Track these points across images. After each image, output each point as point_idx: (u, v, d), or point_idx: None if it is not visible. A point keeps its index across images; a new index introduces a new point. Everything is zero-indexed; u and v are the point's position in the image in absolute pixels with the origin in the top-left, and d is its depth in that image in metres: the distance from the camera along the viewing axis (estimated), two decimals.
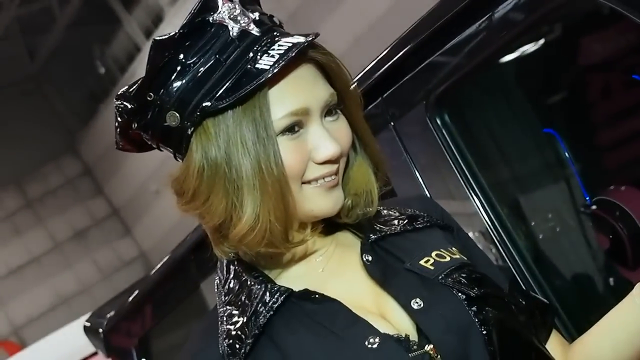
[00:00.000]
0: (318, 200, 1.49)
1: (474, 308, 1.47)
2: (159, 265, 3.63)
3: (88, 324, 4.07)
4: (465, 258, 1.58)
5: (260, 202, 1.43)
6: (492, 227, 2.31)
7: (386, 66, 2.40)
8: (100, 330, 3.94)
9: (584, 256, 2.57)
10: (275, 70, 1.42)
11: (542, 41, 2.54)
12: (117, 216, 19.75)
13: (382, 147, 1.66)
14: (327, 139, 1.48)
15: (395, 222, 1.63)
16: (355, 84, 1.63)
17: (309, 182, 1.48)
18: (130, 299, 3.81)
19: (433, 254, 1.55)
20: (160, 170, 16.85)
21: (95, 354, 4.14)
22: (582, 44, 2.57)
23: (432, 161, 2.36)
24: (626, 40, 2.48)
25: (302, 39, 1.45)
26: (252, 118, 1.43)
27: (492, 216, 2.28)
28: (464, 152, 2.32)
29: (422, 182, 2.42)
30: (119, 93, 1.54)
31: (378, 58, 2.42)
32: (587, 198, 2.50)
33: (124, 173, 18.59)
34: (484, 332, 1.45)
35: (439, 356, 1.42)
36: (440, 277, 1.50)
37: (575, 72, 2.68)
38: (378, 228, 1.60)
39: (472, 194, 2.29)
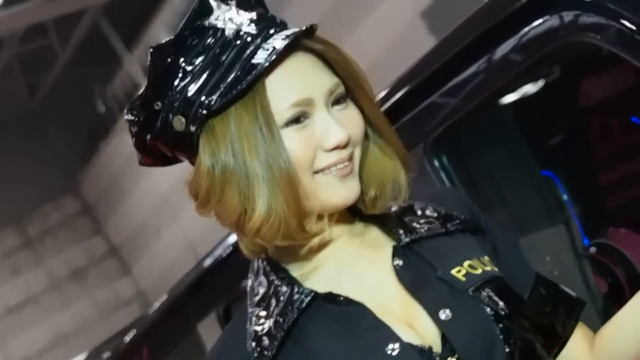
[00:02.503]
0: (332, 189, 1.48)
1: (500, 325, 1.47)
2: (156, 305, 3.61)
3: None
4: (497, 269, 1.56)
5: (272, 195, 1.43)
6: None
7: (384, 107, 2.39)
8: None
9: (583, 299, 2.55)
10: (269, 62, 1.44)
11: (541, 83, 2.54)
12: (116, 255, 19.72)
13: None
14: (333, 125, 1.47)
15: (429, 222, 1.60)
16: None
17: (320, 170, 1.48)
18: (127, 339, 3.79)
19: (465, 264, 1.53)
20: (161, 208, 16.85)
21: None
22: (581, 86, 2.57)
23: None
24: (625, 83, 2.48)
25: (296, 30, 1.47)
26: (253, 114, 1.44)
27: None
28: None
29: None
30: (128, 106, 1.55)
31: (376, 99, 2.42)
32: (586, 241, 2.49)
33: (124, 211, 18.58)
34: (507, 350, 1.46)
35: None
36: (470, 290, 1.49)
37: (574, 114, 2.68)
38: (410, 228, 1.58)
39: None
